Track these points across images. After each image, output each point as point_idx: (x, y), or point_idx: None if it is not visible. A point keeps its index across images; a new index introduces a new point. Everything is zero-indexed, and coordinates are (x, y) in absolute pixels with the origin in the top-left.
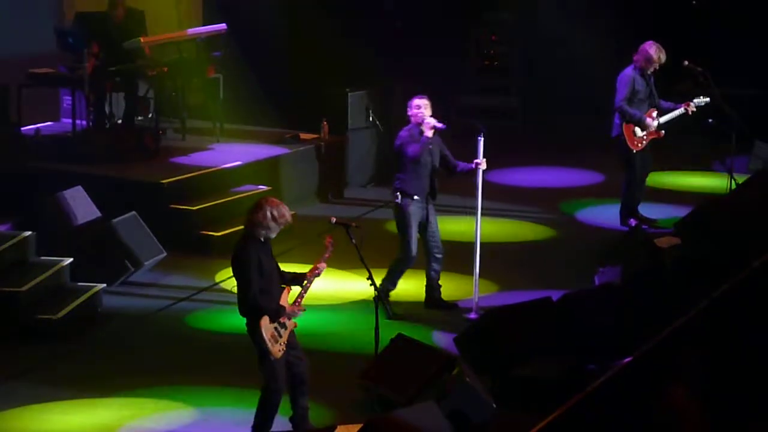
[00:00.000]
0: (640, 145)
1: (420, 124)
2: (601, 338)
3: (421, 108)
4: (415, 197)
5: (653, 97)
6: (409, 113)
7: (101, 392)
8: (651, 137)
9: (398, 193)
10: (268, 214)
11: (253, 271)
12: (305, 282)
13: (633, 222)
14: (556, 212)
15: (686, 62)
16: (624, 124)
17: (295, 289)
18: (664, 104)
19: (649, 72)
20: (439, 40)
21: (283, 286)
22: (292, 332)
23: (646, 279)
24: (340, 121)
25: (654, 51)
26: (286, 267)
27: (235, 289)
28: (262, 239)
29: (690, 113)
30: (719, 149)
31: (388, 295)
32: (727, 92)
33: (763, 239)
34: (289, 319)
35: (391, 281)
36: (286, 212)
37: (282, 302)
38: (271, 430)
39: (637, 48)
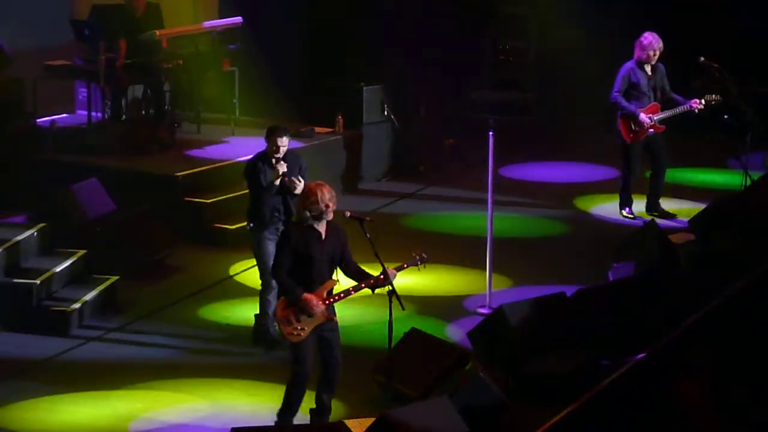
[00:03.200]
0: (634, 137)
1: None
2: (614, 334)
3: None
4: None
5: (658, 90)
6: None
7: (114, 384)
8: (652, 130)
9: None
10: (302, 199)
11: (283, 250)
12: (359, 284)
13: (627, 210)
14: (570, 207)
15: (702, 58)
16: (620, 117)
17: (346, 284)
18: (676, 98)
19: (650, 62)
20: (455, 34)
21: (333, 277)
22: (336, 333)
23: (660, 275)
24: (355, 115)
25: (645, 38)
26: None
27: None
28: (312, 224)
29: (697, 111)
30: (734, 146)
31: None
32: (746, 89)
33: None
34: (302, 312)
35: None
36: (318, 192)
37: (318, 292)
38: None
39: (666, 44)
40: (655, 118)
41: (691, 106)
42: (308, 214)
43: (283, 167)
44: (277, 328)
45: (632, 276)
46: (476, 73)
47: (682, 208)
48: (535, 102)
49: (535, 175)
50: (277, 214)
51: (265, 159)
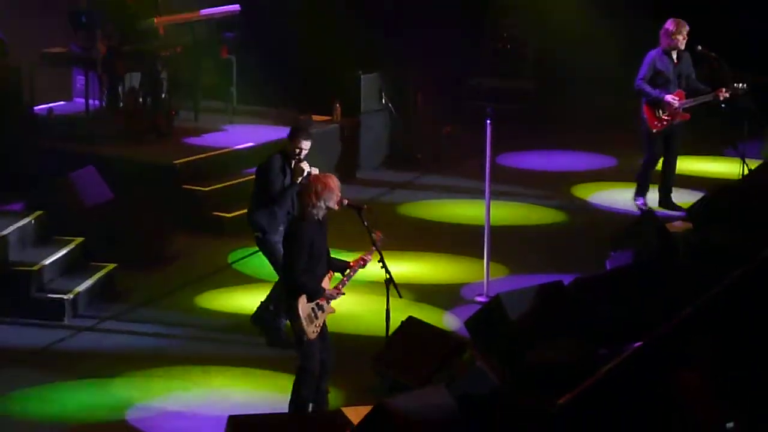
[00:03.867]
0: (660, 125)
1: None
2: (612, 323)
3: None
4: None
5: (684, 78)
6: None
7: (111, 372)
8: (676, 119)
9: None
10: (318, 191)
11: (302, 250)
12: (348, 271)
13: (641, 202)
14: (568, 196)
15: (699, 47)
16: (645, 104)
17: (337, 276)
18: (700, 86)
19: (676, 49)
20: (454, 22)
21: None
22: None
23: (658, 264)
24: (353, 103)
25: (671, 24)
26: None
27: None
28: (317, 218)
29: (722, 99)
30: (732, 135)
31: None
32: (743, 78)
33: None
34: (328, 302)
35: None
36: (332, 183)
37: (325, 285)
38: (273, 412)
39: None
40: (681, 105)
41: (716, 95)
42: (326, 204)
43: (307, 167)
44: (287, 326)
45: (630, 265)
46: (474, 61)
47: (679, 197)
48: (534, 90)
49: (533, 163)
50: (288, 216)
51: (284, 159)
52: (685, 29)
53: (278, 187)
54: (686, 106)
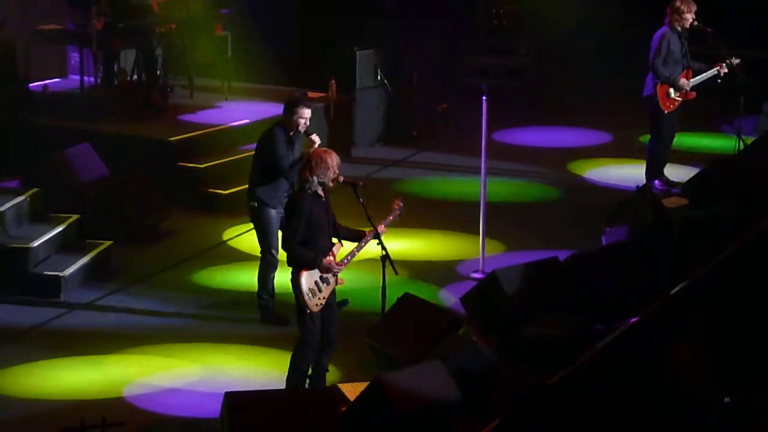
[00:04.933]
0: (672, 106)
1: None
2: (608, 298)
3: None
4: None
5: (688, 57)
6: None
7: (108, 349)
8: (683, 99)
9: None
10: (312, 166)
11: (300, 221)
12: (361, 241)
13: (658, 184)
14: (563, 172)
15: (696, 22)
16: (658, 85)
17: (349, 246)
18: (696, 65)
19: (683, 29)
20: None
21: (334, 241)
22: (333, 292)
23: (653, 239)
24: (349, 79)
25: (680, 2)
26: None
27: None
28: (318, 191)
29: (722, 74)
30: (728, 110)
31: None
32: (739, 53)
33: None
34: (332, 275)
35: None
36: (331, 158)
37: (329, 258)
38: (270, 388)
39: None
40: (689, 84)
41: (717, 71)
42: (319, 180)
43: (317, 139)
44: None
45: (625, 240)
46: (470, 38)
47: (676, 173)
48: (529, 67)
49: (529, 139)
50: (289, 190)
51: (284, 132)
52: (694, 8)
53: (285, 158)
54: (694, 83)
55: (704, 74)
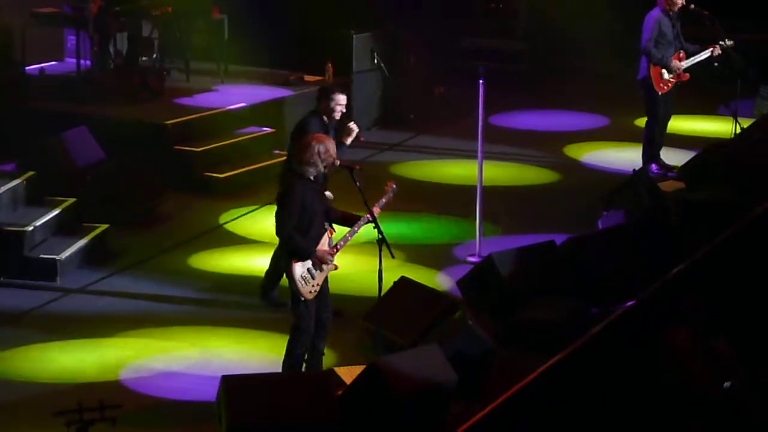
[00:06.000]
0: (666, 87)
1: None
2: (604, 282)
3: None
4: None
5: (680, 39)
6: None
7: (104, 332)
8: (677, 80)
9: None
10: (315, 151)
11: (293, 208)
12: (355, 225)
13: (655, 168)
14: (560, 156)
15: (692, 5)
16: (651, 67)
17: (342, 231)
18: (690, 47)
19: (674, 12)
20: None
21: (327, 227)
22: (327, 280)
23: (649, 223)
24: (345, 63)
25: None
26: None
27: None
28: (311, 177)
29: (716, 55)
30: (724, 93)
31: None
32: (736, 36)
33: (766, 184)
34: (320, 263)
35: None
36: (332, 148)
37: (322, 244)
38: (264, 372)
39: None
40: (682, 66)
41: (711, 52)
42: (318, 167)
43: (355, 127)
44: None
45: (622, 224)
46: (466, 21)
47: (672, 156)
48: (526, 50)
49: (525, 123)
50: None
51: (319, 120)
52: None
53: None
54: (687, 65)
55: (697, 56)
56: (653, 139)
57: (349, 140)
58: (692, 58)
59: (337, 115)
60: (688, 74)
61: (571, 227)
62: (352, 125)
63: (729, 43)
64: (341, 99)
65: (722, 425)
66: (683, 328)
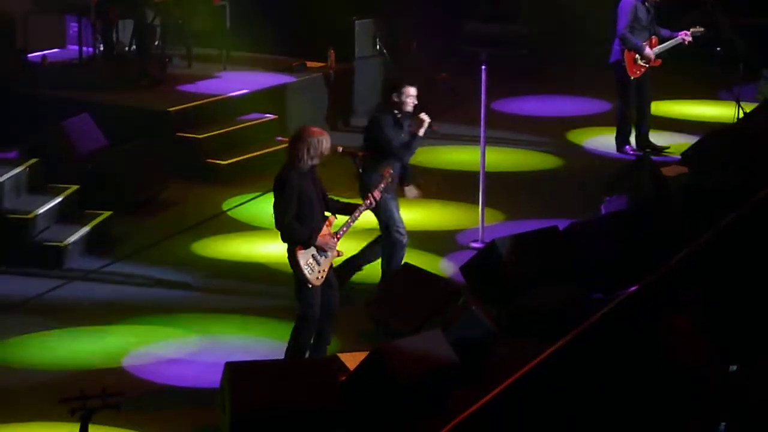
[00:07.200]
0: (638, 72)
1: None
2: (606, 267)
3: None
4: None
5: (653, 25)
6: None
7: (107, 319)
8: (649, 65)
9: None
10: (308, 144)
11: (291, 198)
12: (356, 212)
13: (629, 149)
14: (562, 141)
15: None
16: (625, 51)
17: (342, 219)
18: (664, 33)
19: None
20: None
21: (327, 214)
22: (332, 267)
23: (652, 208)
24: (347, 49)
25: None
26: None
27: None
28: (307, 167)
29: (687, 43)
30: (727, 78)
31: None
32: (738, 21)
33: None
34: (324, 250)
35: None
36: (325, 141)
37: (323, 232)
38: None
39: None
40: (654, 51)
41: (683, 39)
42: (316, 158)
43: (427, 118)
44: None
45: (625, 209)
46: (469, 7)
47: (674, 142)
48: (528, 35)
49: (528, 109)
50: (401, 172)
51: (390, 114)
52: None
53: (395, 140)
54: (658, 51)
55: (668, 42)
56: (625, 122)
57: (421, 131)
58: (663, 45)
59: (410, 108)
60: (660, 60)
61: (574, 213)
62: (424, 116)
63: (700, 29)
64: (412, 91)
65: (721, 413)
66: (682, 315)
